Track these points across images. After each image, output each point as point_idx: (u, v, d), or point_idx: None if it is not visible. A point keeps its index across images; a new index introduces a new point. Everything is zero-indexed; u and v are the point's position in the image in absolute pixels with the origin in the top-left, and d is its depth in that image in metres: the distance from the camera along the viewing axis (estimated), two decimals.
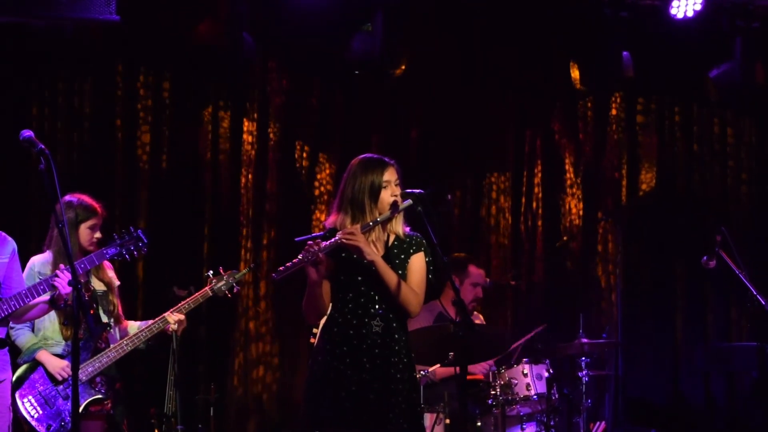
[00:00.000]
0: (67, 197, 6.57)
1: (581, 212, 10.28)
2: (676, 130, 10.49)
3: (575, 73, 9.82)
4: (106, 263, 6.78)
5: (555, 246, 9.99)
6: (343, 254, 5.42)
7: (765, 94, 9.81)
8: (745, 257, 7.62)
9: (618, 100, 10.39)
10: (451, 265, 8.06)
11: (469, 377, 7.95)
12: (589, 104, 10.39)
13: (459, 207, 10.11)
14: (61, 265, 6.08)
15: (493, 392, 7.85)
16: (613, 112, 10.39)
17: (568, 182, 10.29)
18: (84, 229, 6.60)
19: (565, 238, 9.99)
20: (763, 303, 7.12)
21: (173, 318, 6.70)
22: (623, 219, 10.09)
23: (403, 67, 9.32)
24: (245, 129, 9.44)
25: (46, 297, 5.94)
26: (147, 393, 8.25)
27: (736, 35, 9.48)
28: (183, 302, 6.80)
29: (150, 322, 6.72)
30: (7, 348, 6.02)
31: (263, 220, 9.46)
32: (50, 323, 6.56)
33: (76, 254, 6.26)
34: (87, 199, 6.68)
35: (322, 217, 9.21)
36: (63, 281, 5.80)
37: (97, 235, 6.64)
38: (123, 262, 6.57)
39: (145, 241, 6.44)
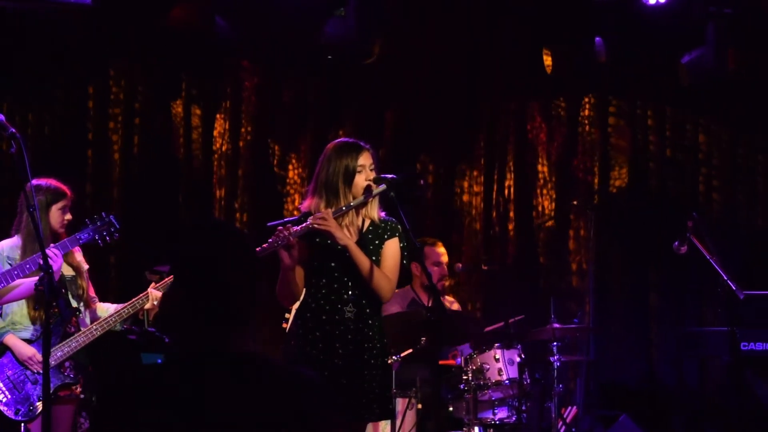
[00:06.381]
0: (35, 181, 6.52)
1: (554, 196, 10.29)
2: (649, 132, 10.51)
3: (547, 60, 9.83)
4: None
5: (535, 226, 10.06)
6: (317, 239, 5.41)
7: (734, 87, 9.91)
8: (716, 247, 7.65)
9: (591, 100, 10.41)
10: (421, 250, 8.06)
11: (441, 362, 7.97)
12: (563, 104, 10.41)
13: (431, 193, 10.11)
14: (52, 245, 6.13)
15: (465, 377, 7.85)
16: (586, 112, 10.41)
17: (540, 167, 10.29)
18: (55, 211, 6.55)
19: (537, 221, 10.03)
20: (734, 288, 7.14)
21: (155, 294, 6.66)
22: (596, 204, 10.12)
23: (377, 52, 9.32)
24: (218, 114, 9.42)
25: (31, 279, 5.95)
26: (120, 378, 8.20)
27: (709, 21, 9.50)
28: (160, 283, 6.76)
29: (125, 303, 6.68)
30: None
31: (235, 206, 9.44)
32: (18, 307, 6.51)
33: (46, 237, 6.26)
34: (55, 182, 6.65)
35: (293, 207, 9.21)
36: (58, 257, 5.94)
37: (68, 216, 6.60)
38: (95, 247, 6.54)
39: (117, 226, 6.44)
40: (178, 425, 2.73)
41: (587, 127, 10.41)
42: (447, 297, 8.55)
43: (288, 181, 9.65)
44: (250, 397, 2.76)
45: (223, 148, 9.44)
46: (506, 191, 10.24)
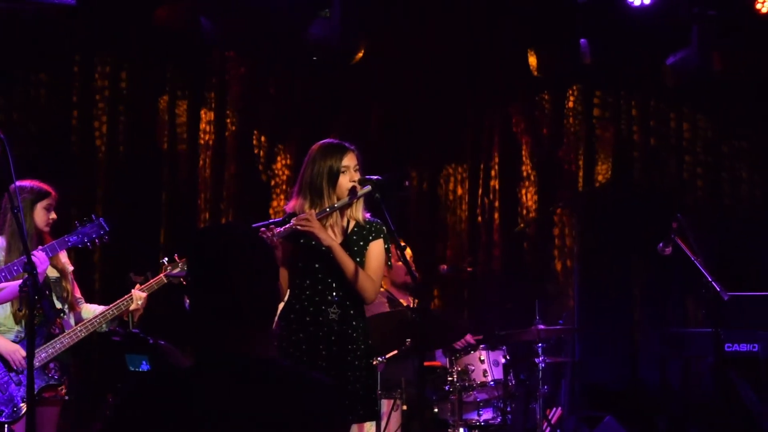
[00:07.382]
0: (19, 182, 6.50)
1: (536, 197, 10.30)
2: (633, 123, 10.52)
3: (533, 61, 9.84)
4: None
5: (513, 232, 10.01)
6: (302, 240, 5.41)
7: (720, 86, 9.91)
8: (699, 247, 7.66)
9: (576, 92, 10.42)
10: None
11: (426, 363, 7.97)
12: (546, 96, 10.41)
13: (417, 194, 10.11)
14: (39, 248, 6.13)
15: (450, 378, 7.86)
16: (570, 104, 10.42)
17: (524, 167, 10.30)
18: (40, 209, 6.53)
19: (521, 225, 10.00)
20: (718, 289, 7.16)
21: (139, 295, 6.65)
22: (580, 206, 10.12)
23: (362, 53, 9.32)
24: (203, 115, 9.41)
25: (17, 281, 5.93)
26: (104, 379, 8.20)
27: (693, 22, 9.52)
28: (145, 285, 6.75)
29: (110, 305, 6.66)
30: None
31: (220, 207, 9.43)
32: (2, 309, 6.50)
33: (31, 236, 6.26)
34: (39, 183, 6.64)
35: (280, 204, 9.20)
36: (44, 260, 5.98)
37: (53, 216, 6.59)
38: (81, 248, 6.53)
39: (107, 229, 6.41)
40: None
41: (571, 119, 10.41)
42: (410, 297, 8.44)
43: (277, 173, 9.64)
44: (260, 401, 2.73)
45: (210, 141, 9.42)
46: (491, 192, 10.23)
